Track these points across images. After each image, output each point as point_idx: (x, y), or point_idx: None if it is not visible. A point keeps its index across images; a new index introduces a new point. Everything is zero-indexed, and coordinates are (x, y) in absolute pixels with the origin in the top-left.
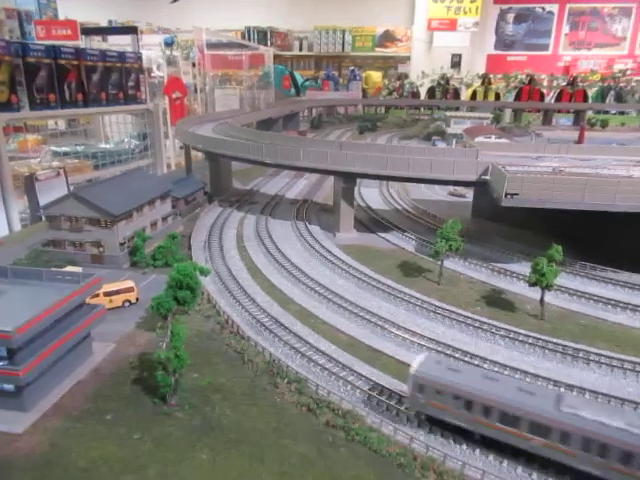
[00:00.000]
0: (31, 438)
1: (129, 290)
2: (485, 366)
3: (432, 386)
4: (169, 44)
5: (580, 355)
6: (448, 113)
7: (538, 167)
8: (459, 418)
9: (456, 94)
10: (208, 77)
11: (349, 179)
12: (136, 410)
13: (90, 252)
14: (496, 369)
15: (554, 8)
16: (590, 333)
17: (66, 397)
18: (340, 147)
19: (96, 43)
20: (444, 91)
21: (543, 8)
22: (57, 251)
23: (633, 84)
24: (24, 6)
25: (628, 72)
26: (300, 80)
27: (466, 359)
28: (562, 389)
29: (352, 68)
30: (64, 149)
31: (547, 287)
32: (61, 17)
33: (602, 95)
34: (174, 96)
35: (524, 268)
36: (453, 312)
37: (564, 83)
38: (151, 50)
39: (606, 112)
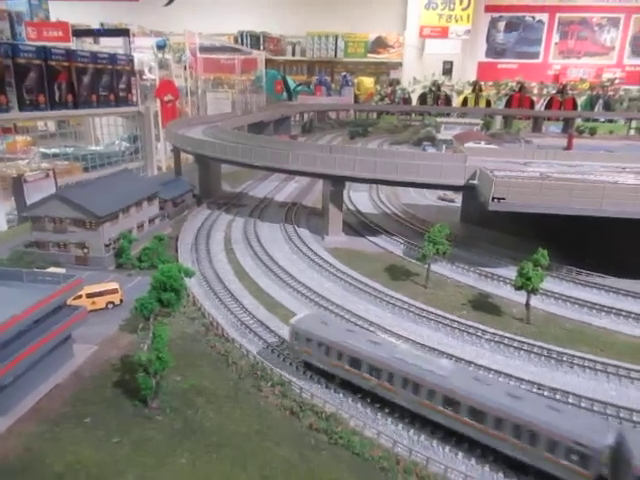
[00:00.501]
0: (6, 443)
1: (113, 292)
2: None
3: (304, 335)
4: (161, 47)
5: (564, 359)
6: (439, 119)
7: (526, 172)
8: (322, 362)
9: (447, 101)
10: (200, 80)
11: (338, 182)
12: (116, 413)
13: (75, 253)
14: (481, 372)
15: (544, 17)
16: (575, 337)
17: (44, 400)
18: (329, 151)
19: (88, 45)
20: (435, 98)
21: (533, 17)
22: (41, 252)
23: (621, 93)
24: (15, 7)
25: (616, 81)
26: (292, 85)
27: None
28: (545, 392)
29: (344, 74)
30: (53, 151)
31: (533, 291)
32: (53, 19)
33: (591, 103)
34: (166, 99)
35: (511, 272)
36: (439, 315)
37: (554, 91)
38: (143, 53)
39: (595, 120)
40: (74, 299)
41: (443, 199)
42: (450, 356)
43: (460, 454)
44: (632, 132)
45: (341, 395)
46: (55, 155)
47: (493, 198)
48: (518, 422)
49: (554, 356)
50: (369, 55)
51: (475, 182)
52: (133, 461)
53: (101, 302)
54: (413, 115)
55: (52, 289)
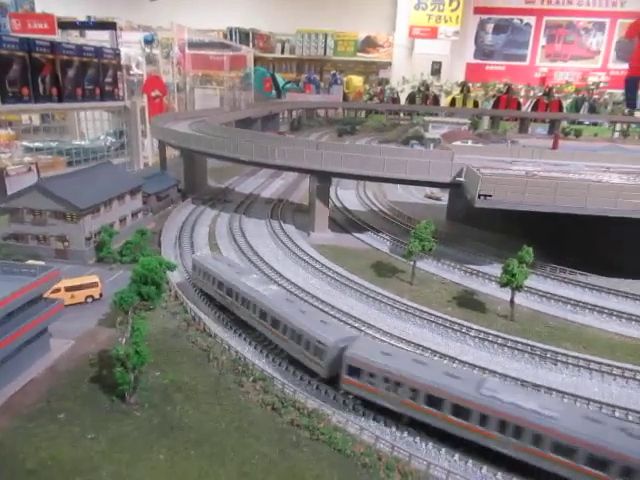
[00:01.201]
0: None
1: (92, 285)
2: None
3: (199, 267)
4: (149, 42)
5: (548, 356)
6: (427, 118)
7: (512, 171)
8: (210, 289)
9: (436, 101)
10: (188, 77)
11: (324, 178)
12: (92, 409)
13: (54, 246)
14: (465, 369)
15: (532, 20)
16: (558, 334)
17: (18, 395)
18: (316, 146)
19: (74, 39)
20: (424, 97)
21: (521, 20)
22: (19, 245)
23: (606, 96)
24: None
25: (601, 85)
26: (281, 83)
27: (435, 359)
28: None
29: (333, 72)
30: (37, 144)
31: (517, 288)
32: (38, 11)
33: (576, 106)
34: (153, 95)
35: (496, 270)
36: (424, 312)
37: (540, 93)
38: (130, 48)
39: (580, 123)
40: (52, 292)
41: (430, 197)
42: (434, 352)
43: (443, 450)
44: (616, 135)
45: (323, 392)
46: (38, 149)
47: (479, 195)
48: None
49: (538, 353)
50: (358, 54)
51: (462, 179)
52: (108, 457)
53: (80, 296)
54: (402, 114)
55: (27, 281)
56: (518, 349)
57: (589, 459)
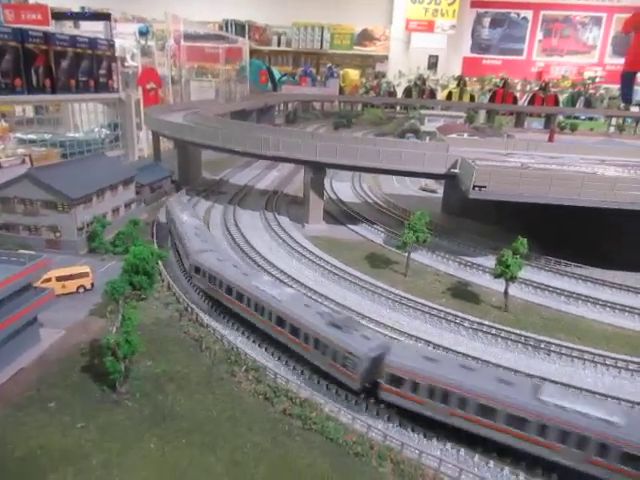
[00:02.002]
0: None
1: (83, 275)
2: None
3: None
4: (144, 34)
5: (542, 346)
6: (423, 111)
7: (507, 162)
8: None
9: (432, 95)
10: (184, 69)
11: (318, 169)
12: (83, 398)
13: (46, 237)
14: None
15: (529, 14)
16: (552, 325)
17: (7, 384)
18: (311, 137)
19: (68, 30)
20: (420, 91)
21: (518, 14)
22: (10, 235)
23: (601, 91)
24: None
25: (597, 79)
26: (277, 75)
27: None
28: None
29: (330, 65)
30: (30, 136)
31: (511, 279)
32: (31, 1)
33: (572, 101)
34: (148, 87)
35: (491, 262)
36: (418, 303)
37: (537, 88)
38: (125, 39)
39: (576, 117)
40: (43, 282)
41: (425, 189)
42: (428, 343)
43: (435, 439)
44: (612, 129)
45: (316, 380)
46: (32, 141)
47: (474, 186)
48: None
49: (531, 343)
50: (355, 47)
51: (457, 171)
52: (99, 446)
53: (72, 286)
54: (398, 108)
55: (16, 269)
56: (512, 340)
57: None
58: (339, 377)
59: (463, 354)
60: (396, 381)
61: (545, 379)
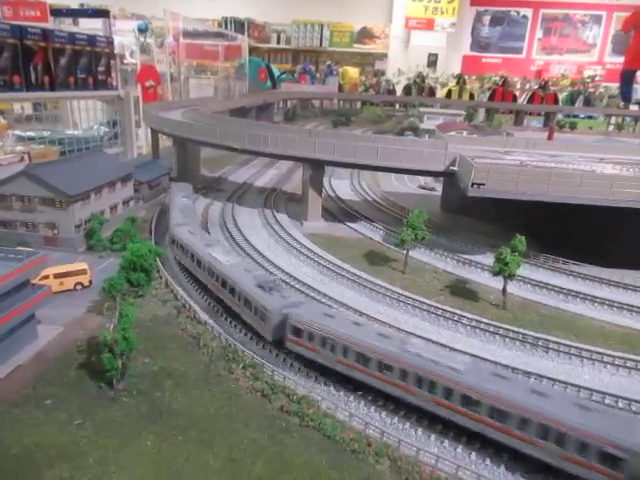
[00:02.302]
0: None
1: (81, 272)
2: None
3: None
4: (143, 31)
5: (539, 344)
6: (422, 109)
7: (505, 160)
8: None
9: (431, 93)
10: (183, 66)
11: (317, 167)
12: (79, 395)
13: (44, 234)
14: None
15: (528, 13)
16: (550, 323)
17: (4, 381)
18: (309, 134)
19: (66, 27)
20: (420, 89)
21: (518, 12)
22: (8, 232)
23: (601, 90)
24: None
25: (597, 78)
26: (276, 73)
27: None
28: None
29: (329, 63)
30: (29, 134)
31: (510, 276)
32: None
33: (572, 99)
34: (147, 84)
35: (490, 260)
36: (416, 300)
37: (536, 86)
38: (124, 36)
39: (575, 116)
40: (41, 279)
41: (424, 187)
42: (426, 340)
43: (433, 436)
44: (611, 128)
45: (313, 377)
46: (31, 138)
47: (473, 184)
48: None
49: (529, 341)
50: (355, 45)
51: (455, 168)
52: (95, 443)
53: (69, 283)
54: (397, 106)
55: (13, 266)
56: (510, 337)
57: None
58: (259, 329)
59: (460, 351)
60: (297, 332)
61: (543, 376)
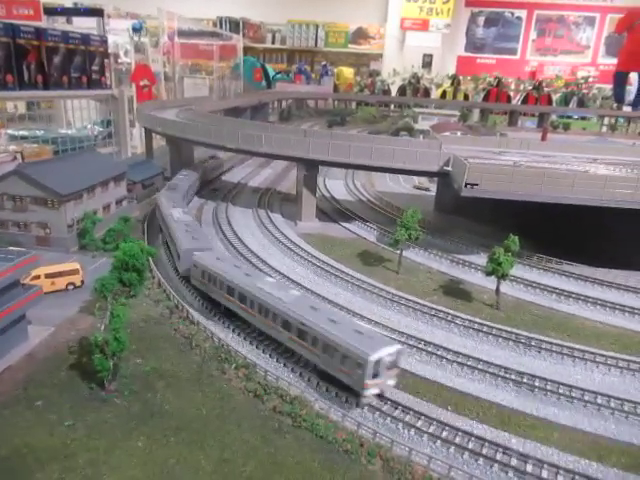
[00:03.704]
0: None
1: (73, 272)
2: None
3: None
4: (137, 30)
5: (532, 344)
6: (417, 110)
7: (499, 160)
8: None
9: (426, 93)
10: (178, 66)
11: (311, 166)
12: (70, 396)
13: (36, 234)
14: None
15: (523, 14)
16: (543, 323)
17: None
18: (303, 134)
19: (60, 25)
20: (415, 90)
21: (512, 13)
22: None
23: (594, 91)
24: None
25: (590, 79)
26: (271, 73)
27: (419, 346)
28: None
29: (324, 63)
30: (22, 133)
31: (503, 276)
32: None
33: (566, 100)
34: (142, 84)
35: (483, 260)
36: (410, 300)
37: (530, 87)
38: (118, 35)
39: (569, 116)
40: (32, 279)
41: (418, 188)
42: (419, 340)
43: (425, 437)
44: (604, 129)
45: (307, 378)
46: (24, 138)
47: (466, 184)
48: None
49: (522, 341)
50: (350, 46)
51: (449, 168)
52: (85, 445)
53: (61, 283)
54: (392, 106)
55: (4, 266)
56: (503, 337)
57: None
58: (176, 266)
59: (454, 351)
60: (199, 271)
61: (535, 376)
